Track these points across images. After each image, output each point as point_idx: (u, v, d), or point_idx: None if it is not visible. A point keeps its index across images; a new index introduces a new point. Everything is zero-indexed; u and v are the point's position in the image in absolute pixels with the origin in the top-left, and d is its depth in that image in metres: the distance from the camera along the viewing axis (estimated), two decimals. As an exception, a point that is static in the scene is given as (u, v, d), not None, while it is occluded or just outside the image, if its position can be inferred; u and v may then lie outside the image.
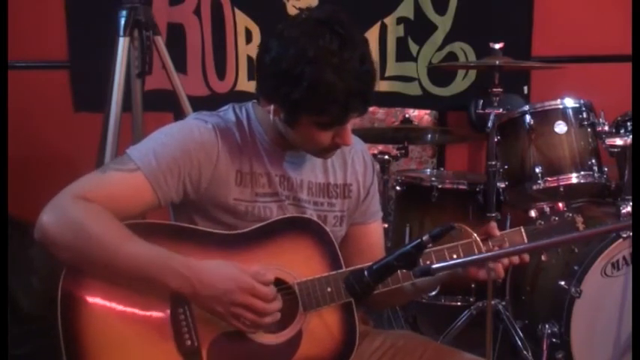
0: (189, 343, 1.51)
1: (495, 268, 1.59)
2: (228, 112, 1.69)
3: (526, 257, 1.64)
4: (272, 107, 1.56)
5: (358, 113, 1.56)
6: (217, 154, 1.60)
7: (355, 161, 1.78)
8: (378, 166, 2.77)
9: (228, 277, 1.48)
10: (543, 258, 1.75)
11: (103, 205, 1.49)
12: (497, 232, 1.66)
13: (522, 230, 1.69)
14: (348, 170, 1.76)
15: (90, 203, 1.48)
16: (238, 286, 1.47)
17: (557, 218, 1.68)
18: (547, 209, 1.59)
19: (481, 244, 1.56)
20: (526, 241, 1.69)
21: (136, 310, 1.51)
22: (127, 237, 1.47)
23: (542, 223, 1.68)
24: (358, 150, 1.79)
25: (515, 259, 1.62)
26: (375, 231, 1.83)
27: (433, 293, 2.78)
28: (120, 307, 1.50)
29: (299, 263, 1.61)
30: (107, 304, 1.50)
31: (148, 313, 1.51)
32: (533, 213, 1.71)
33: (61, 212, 1.48)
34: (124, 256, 1.46)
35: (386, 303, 2.06)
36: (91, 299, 1.49)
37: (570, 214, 1.68)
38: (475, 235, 1.55)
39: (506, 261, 1.61)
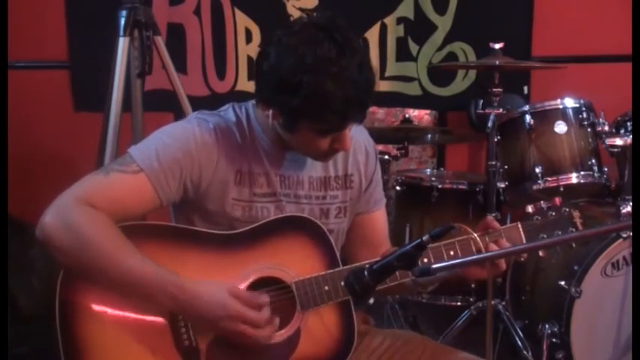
0: (187, 343, 1.52)
1: (497, 263, 1.59)
2: (228, 111, 1.69)
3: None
4: (270, 112, 1.56)
5: (356, 121, 1.57)
6: (218, 155, 1.60)
7: (357, 151, 1.77)
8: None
9: (218, 304, 1.48)
10: (541, 254, 1.73)
11: (106, 209, 1.49)
12: (497, 225, 1.65)
13: (519, 226, 1.68)
14: (350, 160, 1.76)
15: (92, 210, 1.49)
16: (227, 315, 1.48)
17: (554, 213, 1.66)
18: (544, 206, 1.58)
19: (479, 241, 1.55)
20: (523, 236, 1.68)
21: (134, 312, 1.51)
22: (126, 251, 1.47)
23: (540, 218, 1.67)
24: (360, 140, 1.78)
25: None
26: (378, 219, 1.84)
27: (430, 288, 2.77)
28: (118, 309, 1.50)
29: (296, 262, 1.61)
30: (105, 305, 1.50)
31: (146, 314, 1.51)
32: (530, 209, 1.69)
33: (63, 216, 1.48)
34: (121, 270, 1.46)
35: (384, 293, 2.05)
36: (89, 301, 1.50)
37: (567, 209, 1.66)
38: (475, 234, 1.55)
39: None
